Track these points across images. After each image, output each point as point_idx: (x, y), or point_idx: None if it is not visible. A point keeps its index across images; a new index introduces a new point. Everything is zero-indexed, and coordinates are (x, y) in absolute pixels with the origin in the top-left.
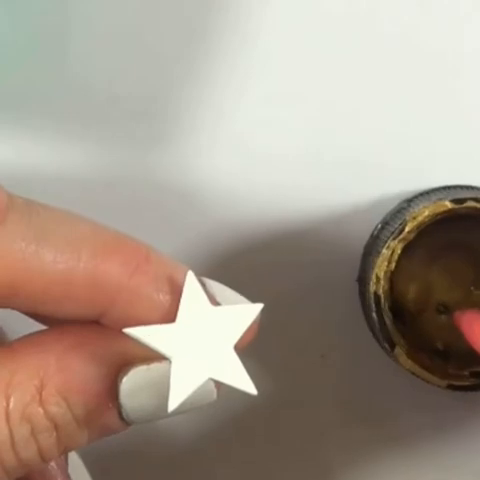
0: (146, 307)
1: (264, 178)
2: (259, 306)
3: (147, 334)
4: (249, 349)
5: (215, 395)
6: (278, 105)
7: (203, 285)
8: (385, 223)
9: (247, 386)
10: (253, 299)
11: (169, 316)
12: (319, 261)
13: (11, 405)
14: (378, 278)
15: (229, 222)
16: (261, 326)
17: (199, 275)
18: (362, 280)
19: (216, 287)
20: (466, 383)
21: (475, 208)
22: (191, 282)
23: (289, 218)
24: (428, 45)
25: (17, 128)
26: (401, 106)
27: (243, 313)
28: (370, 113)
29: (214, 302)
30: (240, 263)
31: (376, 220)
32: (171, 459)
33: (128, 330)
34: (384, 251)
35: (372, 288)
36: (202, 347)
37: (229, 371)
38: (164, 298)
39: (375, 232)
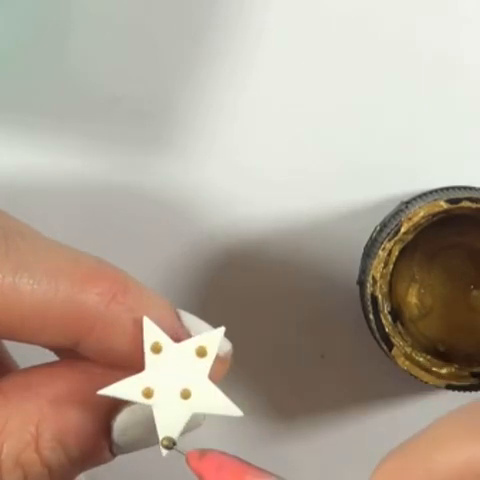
0: (121, 338)
1: (262, 182)
2: (221, 331)
3: (122, 390)
4: (249, 350)
5: (202, 421)
6: (277, 108)
7: (179, 317)
8: (383, 225)
9: (231, 410)
10: (253, 302)
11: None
12: (320, 263)
13: (4, 452)
14: (375, 279)
15: (227, 223)
16: (262, 327)
17: (199, 280)
18: (361, 282)
19: (191, 320)
20: (466, 383)
21: (470, 208)
22: (148, 327)
23: (289, 221)
24: (426, 50)
25: (16, 128)
26: (401, 110)
27: (207, 342)
28: (370, 117)
29: (189, 335)
30: (238, 267)
31: (376, 222)
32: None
33: (103, 392)
34: (380, 252)
35: (369, 289)
36: (178, 385)
37: (210, 401)
38: (140, 330)
39: (374, 234)
